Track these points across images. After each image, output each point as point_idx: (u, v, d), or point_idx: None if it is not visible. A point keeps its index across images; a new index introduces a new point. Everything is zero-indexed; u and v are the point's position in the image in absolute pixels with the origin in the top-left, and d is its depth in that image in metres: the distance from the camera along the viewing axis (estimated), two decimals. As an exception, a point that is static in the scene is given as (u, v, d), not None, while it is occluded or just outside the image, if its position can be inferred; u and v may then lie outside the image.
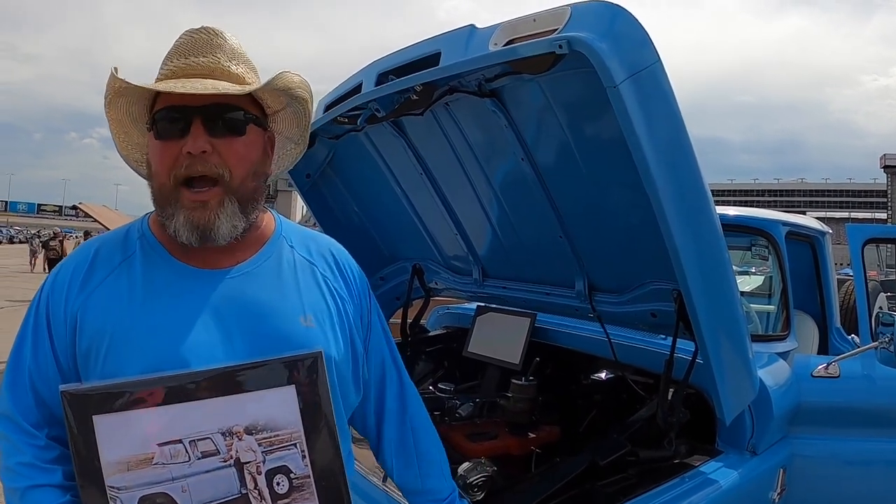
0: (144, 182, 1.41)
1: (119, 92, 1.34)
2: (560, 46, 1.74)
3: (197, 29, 1.39)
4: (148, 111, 1.38)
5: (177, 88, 1.25)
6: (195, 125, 1.28)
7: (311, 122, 1.57)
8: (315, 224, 3.55)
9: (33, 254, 30.98)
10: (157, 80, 1.37)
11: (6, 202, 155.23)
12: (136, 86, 1.29)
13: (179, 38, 1.39)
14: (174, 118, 1.29)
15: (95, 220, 19.54)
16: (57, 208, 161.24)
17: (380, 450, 1.66)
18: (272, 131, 1.48)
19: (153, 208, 1.38)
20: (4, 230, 73.03)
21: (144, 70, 1.37)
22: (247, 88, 1.33)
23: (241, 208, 1.33)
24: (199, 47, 1.36)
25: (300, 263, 1.47)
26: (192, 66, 1.34)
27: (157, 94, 1.35)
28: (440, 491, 1.64)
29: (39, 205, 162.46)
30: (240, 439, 1.21)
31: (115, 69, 1.28)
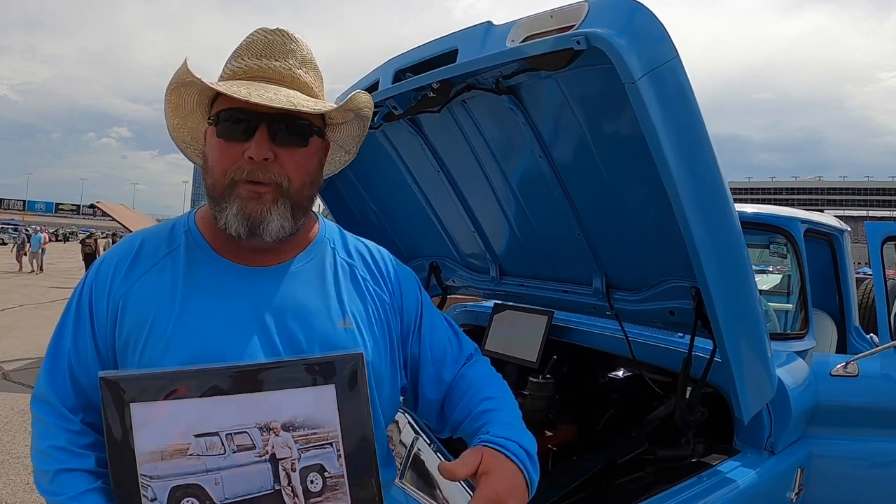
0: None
1: (185, 84, 1.34)
2: (578, 42, 1.73)
3: (272, 29, 1.37)
4: (209, 102, 1.38)
5: (251, 97, 1.23)
6: (260, 131, 1.27)
7: None
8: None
9: (20, 250, 29.75)
10: (225, 76, 1.36)
11: (24, 201, 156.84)
12: (207, 84, 1.28)
13: (252, 35, 1.37)
14: (240, 120, 1.28)
15: (113, 219, 19.64)
16: (75, 207, 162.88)
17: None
18: (328, 140, 1.48)
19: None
20: (21, 228, 72.86)
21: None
22: (322, 107, 1.32)
23: (292, 213, 1.32)
24: (271, 49, 1.35)
25: (341, 266, 1.47)
26: (263, 68, 1.34)
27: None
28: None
29: (57, 204, 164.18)
30: (276, 435, 1.21)
31: (187, 60, 1.28)
